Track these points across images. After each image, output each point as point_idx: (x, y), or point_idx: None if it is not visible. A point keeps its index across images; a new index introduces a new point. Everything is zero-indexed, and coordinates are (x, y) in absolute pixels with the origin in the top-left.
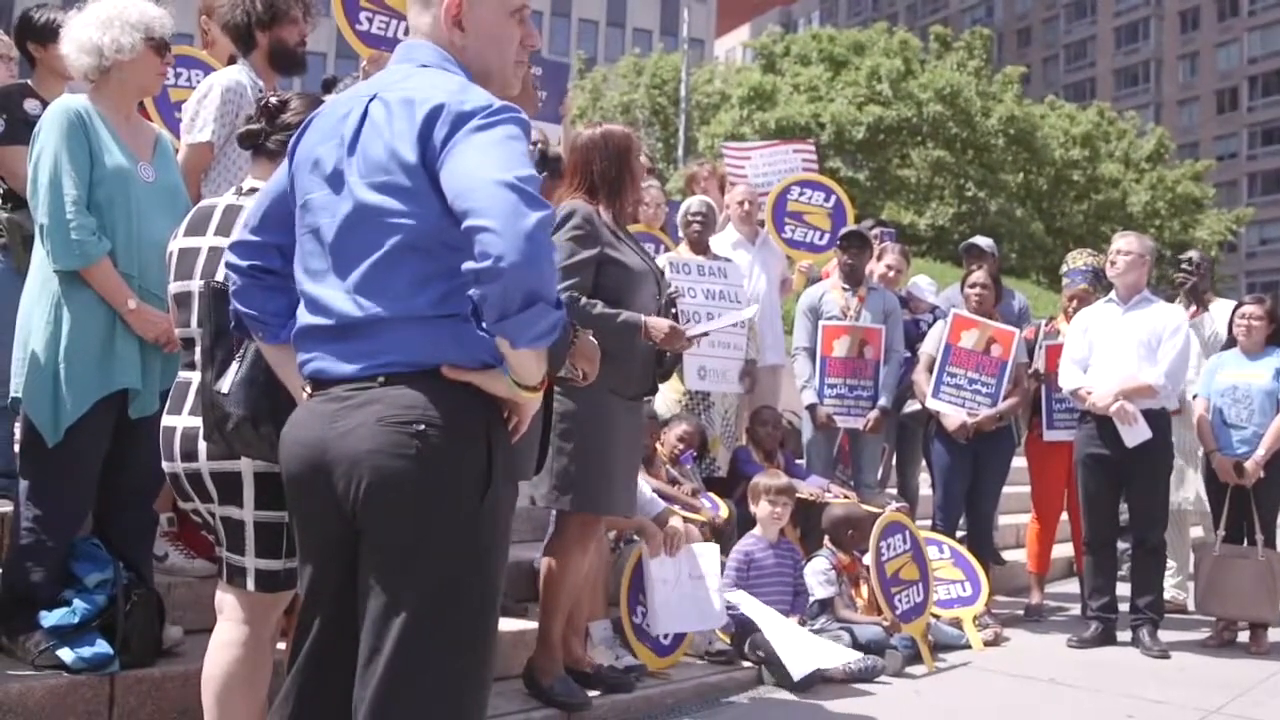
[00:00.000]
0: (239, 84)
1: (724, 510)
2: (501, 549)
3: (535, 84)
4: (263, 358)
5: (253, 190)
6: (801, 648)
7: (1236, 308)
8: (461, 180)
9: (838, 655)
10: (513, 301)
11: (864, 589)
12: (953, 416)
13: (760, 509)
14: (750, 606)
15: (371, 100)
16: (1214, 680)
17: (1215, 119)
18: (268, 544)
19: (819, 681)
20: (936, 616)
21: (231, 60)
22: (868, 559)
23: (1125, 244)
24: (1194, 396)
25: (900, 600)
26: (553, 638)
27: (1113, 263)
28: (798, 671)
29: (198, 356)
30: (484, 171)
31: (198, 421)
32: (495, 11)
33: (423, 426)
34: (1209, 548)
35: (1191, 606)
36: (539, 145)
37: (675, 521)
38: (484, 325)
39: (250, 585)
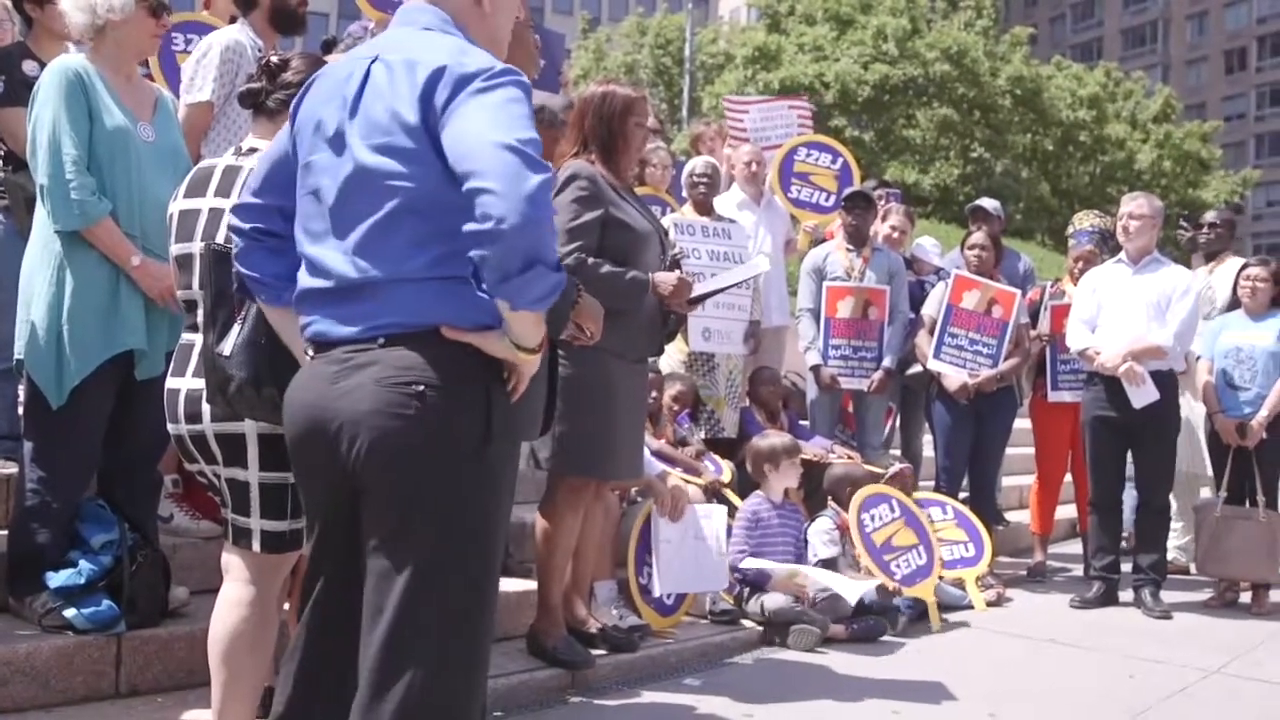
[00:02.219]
0: (238, 43)
1: (726, 473)
2: (502, 507)
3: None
4: (264, 320)
5: (252, 150)
6: (843, 582)
7: (1241, 269)
8: (463, 143)
9: (862, 586)
10: (513, 264)
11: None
12: (953, 377)
13: (779, 471)
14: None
15: (373, 62)
16: (1215, 641)
17: (1224, 79)
18: (273, 505)
19: (821, 641)
20: (941, 577)
21: (232, 20)
22: (853, 532)
23: (1136, 207)
24: (1197, 358)
25: (899, 566)
26: (552, 599)
27: (1125, 228)
28: (853, 596)
29: (200, 318)
30: (486, 134)
31: (202, 383)
32: None
33: (421, 387)
34: (1210, 509)
35: (1193, 568)
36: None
37: (676, 482)
38: (484, 286)
39: (256, 546)
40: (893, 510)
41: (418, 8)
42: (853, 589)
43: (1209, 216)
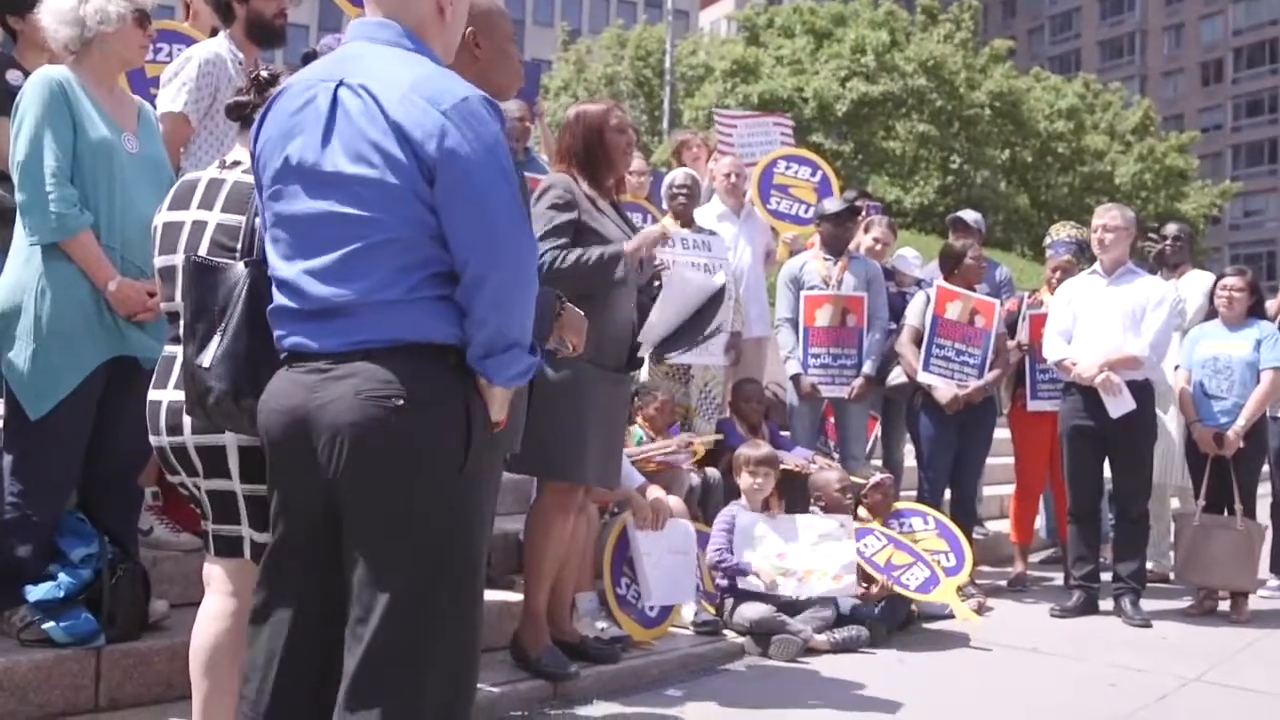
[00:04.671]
0: (218, 56)
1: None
2: (483, 519)
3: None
4: (244, 332)
5: (236, 163)
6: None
7: (1218, 279)
8: (459, 238)
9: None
10: (498, 344)
11: None
12: (944, 389)
13: (742, 480)
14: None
15: (339, 86)
16: (1195, 648)
17: (1200, 91)
18: (258, 516)
19: (803, 651)
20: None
21: (214, 32)
22: (860, 561)
23: (1110, 219)
24: (1175, 367)
25: (909, 579)
26: (537, 607)
27: (1100, 241)
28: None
29: (182, 330)
30: (483, 223)
31: (183, 395)
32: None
33: (400, 401)
34: (1189, 518)
35: (1173, 576)
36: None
37: (657, 493)
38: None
39: (246, 554)
40: (879, 540)
41: (377, 23)
42: (834, 586)
43: (1171, 229)
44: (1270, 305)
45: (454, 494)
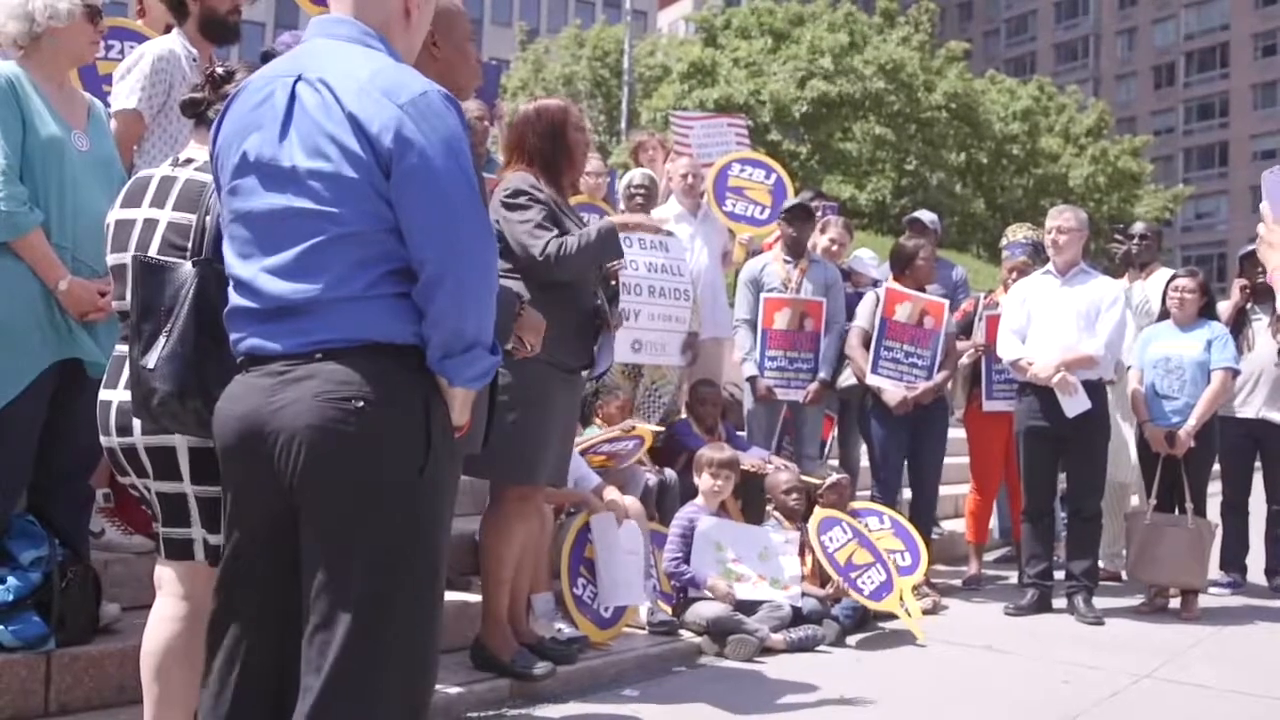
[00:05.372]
0: (172, 53)
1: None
2: (443, 521)
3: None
4: (190, 332)
5: (189, 161)
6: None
7: (1170, 280)
8: (415, 233)
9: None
10: (456, 345)
11: (809, 559)
12: (892, 392)
13: (703, 481)
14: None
15: (297, 81)
16: (1146, 646)
17: (1153, 94)
18: (210, 517)
19: (759, 651)
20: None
21: (167, 29)
22: (820, 557)
23: (1064, 221)
24: (1129, 367)
25: (864, 582)
26: (499, 612)
27: (1055, 242)
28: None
29: (128, 330)
30: (440, 220)
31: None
32: (433, 2)
33: (360, 402)
34: (1140, 516)
35: (1124, 574)
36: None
37: (613, 494)
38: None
39: (199, 556)
40: (845, 532)
41: (336, 19)
42: (782, 596)
43: (1138, 229)
44: (1221, 306)
45: (415, 496)
